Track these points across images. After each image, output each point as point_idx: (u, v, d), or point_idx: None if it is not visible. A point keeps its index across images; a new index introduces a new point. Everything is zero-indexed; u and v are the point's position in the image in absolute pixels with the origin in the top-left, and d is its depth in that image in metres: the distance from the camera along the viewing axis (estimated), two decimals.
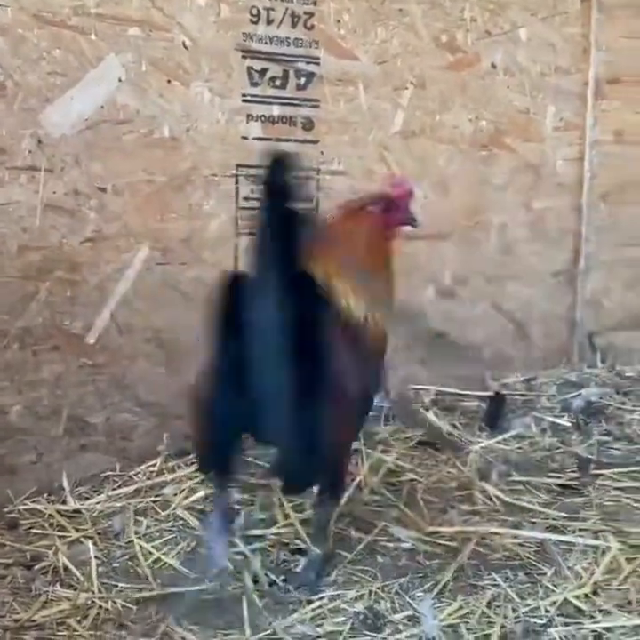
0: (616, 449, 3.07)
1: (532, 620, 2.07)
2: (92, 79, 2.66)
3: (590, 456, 2.96)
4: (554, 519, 2.54)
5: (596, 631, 2.02)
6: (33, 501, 2.61)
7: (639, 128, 3.69)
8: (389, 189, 2.43)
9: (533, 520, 2.54)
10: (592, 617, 2.08)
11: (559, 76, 3.52)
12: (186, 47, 2.79)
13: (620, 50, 3.61)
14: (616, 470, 2.87)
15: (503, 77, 3.40)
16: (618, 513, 2.58)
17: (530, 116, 3.48)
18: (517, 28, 3.41)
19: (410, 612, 2.11)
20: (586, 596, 2.15)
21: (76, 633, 2.00)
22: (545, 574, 2.26)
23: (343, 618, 2.09)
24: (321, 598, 2.17)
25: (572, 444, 3.08)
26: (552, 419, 3.26)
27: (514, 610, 2.11)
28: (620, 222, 3.75)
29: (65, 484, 2.67)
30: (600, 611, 2.10)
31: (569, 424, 3.23)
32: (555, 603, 2.12)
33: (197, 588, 2.21)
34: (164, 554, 2.38)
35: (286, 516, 2.53)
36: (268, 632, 2.04)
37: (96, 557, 2.33)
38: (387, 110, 3.18)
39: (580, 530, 2.47)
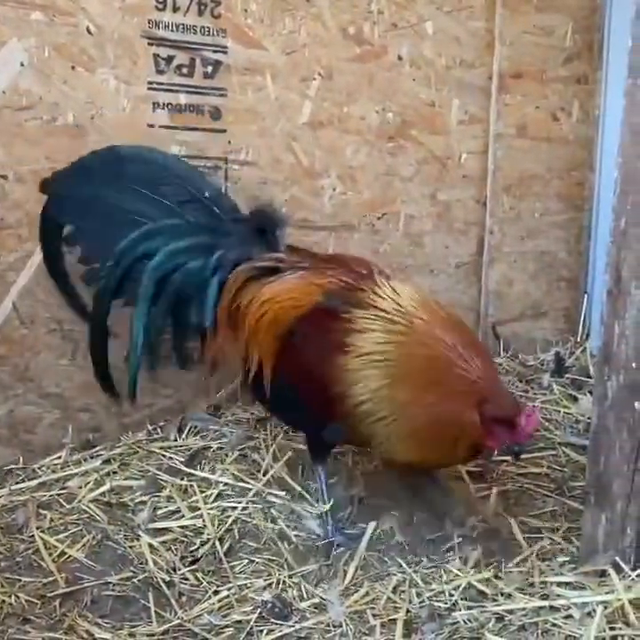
0: None
1: (437, 603, 2.12)
2: None
3: None
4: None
5: (498, 614, 2.07)
6: None
7: (540, 122, 3.76)
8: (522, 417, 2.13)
9: None
10: (494, 600, 2.13)
11: (464, 70, 3.57)
12: (90, 33, 2.74)
13: (523, 45, 3.67)
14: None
15: (409, 70, 3.43)
16: (520, 498, 2.64)
17: (435, 109, 3.52)
18: (424, 21, 3.44)
19: (317, 600, 2.13)
20: (488, 579, 2.20)
21: None
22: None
23: (251, 607, 2.10)
24: (229, 588, 2.17)
25: None
26: None
27: (418, 595, 2.15)
28: (522, 214, 3.83)
29: None
30: (502, 594, 2.15)
31: None
32: (458, 587, 2.17)
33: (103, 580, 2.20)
34: (68, 547, 2.36)
35: (194, 509, 2.53)
36: (175, 623, 2.04)
37: None
38: (294, 101, 3.18)
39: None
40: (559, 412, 3.31)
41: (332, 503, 2.44)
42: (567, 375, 3.63)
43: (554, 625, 2.01)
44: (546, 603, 2.09)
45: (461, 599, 2.13)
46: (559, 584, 2.17)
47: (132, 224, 2.53)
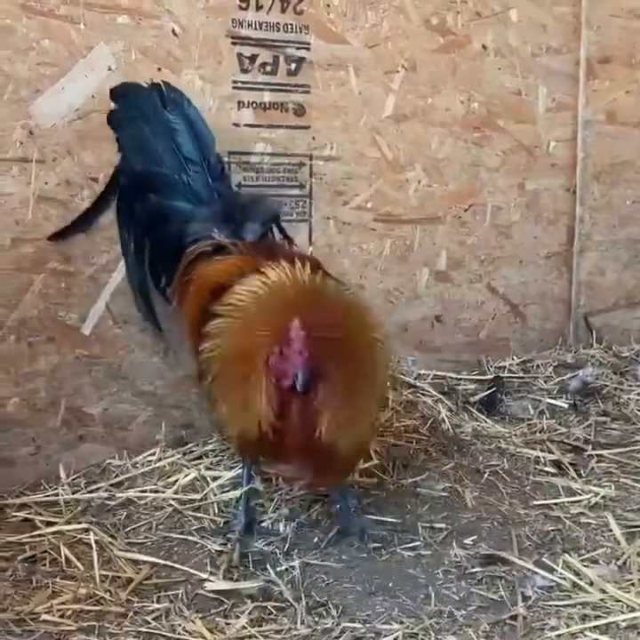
0: (613, 429, 3.08)
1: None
2: (82, 69, 2.65)
3: (588, 436, 2.98)
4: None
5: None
6: (32, 493, 2.62)
7: (630, 108, 3.68)
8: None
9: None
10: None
11: (550, 57, 3.51)
12: (176, 34, 2.77)
13: (611, 29, 3.59)
14: (614, 450, 2.88)
15: (494, 59, 3.39)
16: (617, 493, 2.59)
17: (522, 98, 3.47)
18: (508, 8, 3.39)
19: None
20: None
21: (78, 624, 2.00)
22: None
23: None
24: None
25: (570, 425, 3.09)
26: (549, 400, 3.26)
27: None
28: (613, 202, 3.75)
29: (62, 474, 2.68)
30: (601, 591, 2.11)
31: (566, 405, 3.23)
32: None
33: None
34: (163, 543, 2.39)
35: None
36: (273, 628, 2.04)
37: (97, 548, 2.32)
38: (378, 94, 3.17)
39: (580, 514, 2.50)
40: None
41: (249, 488, 2.43)
42: None
43: None
44: None
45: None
46: None
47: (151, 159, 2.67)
